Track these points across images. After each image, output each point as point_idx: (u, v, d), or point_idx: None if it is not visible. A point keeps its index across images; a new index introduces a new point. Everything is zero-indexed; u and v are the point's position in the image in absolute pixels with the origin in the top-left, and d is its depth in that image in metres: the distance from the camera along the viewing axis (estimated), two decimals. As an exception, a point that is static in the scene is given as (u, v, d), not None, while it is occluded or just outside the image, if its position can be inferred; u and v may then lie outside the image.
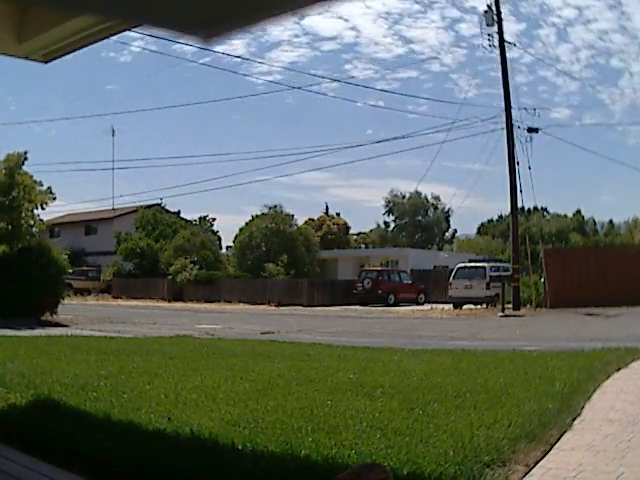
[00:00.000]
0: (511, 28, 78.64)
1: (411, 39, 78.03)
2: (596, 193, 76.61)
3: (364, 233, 57.63)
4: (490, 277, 24.79)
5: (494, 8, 23.64)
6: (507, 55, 23.90)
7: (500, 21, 23.82)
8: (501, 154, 24.36)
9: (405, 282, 31.22)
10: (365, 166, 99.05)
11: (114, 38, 5.08)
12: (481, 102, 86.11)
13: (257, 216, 39.49)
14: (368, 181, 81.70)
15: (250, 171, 73.94)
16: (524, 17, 68.71)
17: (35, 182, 20.89)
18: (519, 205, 24.15)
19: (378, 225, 60.12)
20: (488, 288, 24.71)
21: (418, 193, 55.53)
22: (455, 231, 61.14)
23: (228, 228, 66.55)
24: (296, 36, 70.67)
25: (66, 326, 16.29)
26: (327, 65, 73.11)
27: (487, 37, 23.72)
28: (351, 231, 52.57)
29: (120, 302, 33.96)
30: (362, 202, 79.28)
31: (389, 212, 59.17)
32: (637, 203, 65.47)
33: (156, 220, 41.55)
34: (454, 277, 26.30)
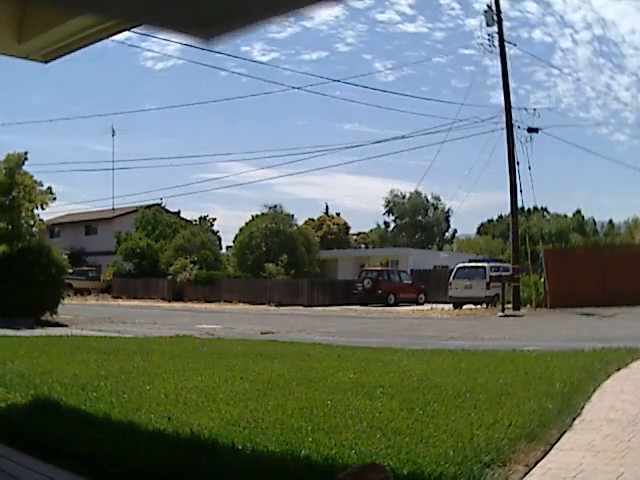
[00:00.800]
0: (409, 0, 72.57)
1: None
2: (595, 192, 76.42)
3: (364, 233, 57.65)
4: (490, 277, 24.77)
5: (494, 8, 23.66)
6: (500, 54, 23.89)
7: (500, 21, 23.81)
8: (501, 154, 24.40)
9: (405, 282, 31.20)
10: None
11: (114, 38, 5.08)
12: (404, 86, 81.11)
13: (257, 216, 39.50)
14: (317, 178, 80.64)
15: (251, 171, 73.46)
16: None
17: (35, 182, 20.86)
18: (519, 205, 24.17)
19: (378, 225, 60.20)
20: (488, 288, 24.70)
21: (418, 193, 55.62)
22: (455, 231, 61.28)
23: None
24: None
25: (66, 326, 16.30)
26: (227, 49, 70.97)
27: (487, 37, 23.74)
28: (351, 231, 52.62)
29: (120, 302, 33.96)
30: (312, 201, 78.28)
31: (389, 212, 59.23)
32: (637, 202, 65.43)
33: (156, 220, 41.56)
34: (454, 277, 26.29)
